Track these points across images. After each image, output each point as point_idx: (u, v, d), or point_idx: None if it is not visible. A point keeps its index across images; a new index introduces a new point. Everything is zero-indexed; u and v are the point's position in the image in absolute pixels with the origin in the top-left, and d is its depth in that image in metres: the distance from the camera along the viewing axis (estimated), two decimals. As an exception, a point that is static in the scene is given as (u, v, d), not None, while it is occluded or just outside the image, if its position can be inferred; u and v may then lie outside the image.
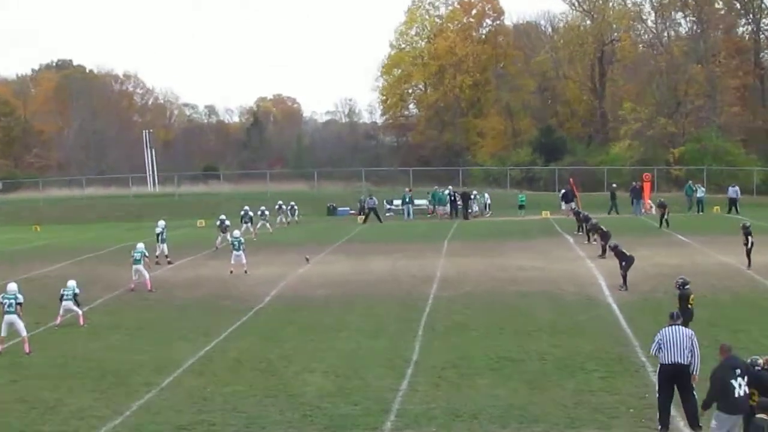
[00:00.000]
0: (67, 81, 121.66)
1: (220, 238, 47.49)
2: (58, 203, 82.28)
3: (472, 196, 65.86)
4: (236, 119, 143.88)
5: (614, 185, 65.91)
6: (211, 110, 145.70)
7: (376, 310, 29.79)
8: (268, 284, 35.40)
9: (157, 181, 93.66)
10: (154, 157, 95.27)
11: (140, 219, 71.20)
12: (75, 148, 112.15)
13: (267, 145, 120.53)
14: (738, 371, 14.92)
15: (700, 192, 64.09)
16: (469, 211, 64.54)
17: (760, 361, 15.41)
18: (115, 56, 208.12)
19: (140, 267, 35.01)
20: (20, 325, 24.85)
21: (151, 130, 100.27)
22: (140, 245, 35.65)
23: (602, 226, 41.34)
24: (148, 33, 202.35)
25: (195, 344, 25.35)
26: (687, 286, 23.21)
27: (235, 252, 38.80)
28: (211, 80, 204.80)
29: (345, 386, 20.61)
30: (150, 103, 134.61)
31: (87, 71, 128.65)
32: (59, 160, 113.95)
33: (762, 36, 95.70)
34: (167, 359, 23.69)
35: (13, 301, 24.79)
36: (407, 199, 66.75)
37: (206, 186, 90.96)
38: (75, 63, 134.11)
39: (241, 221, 53.11)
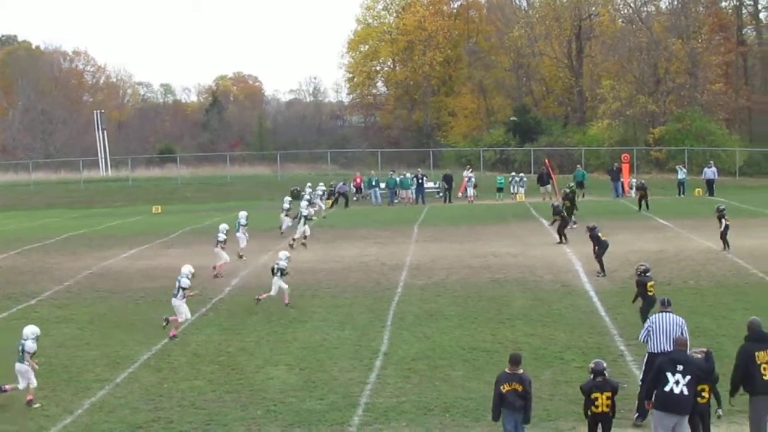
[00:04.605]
0: (11, 58, 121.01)
1: (287, 222, 46.19)
2: (2, 189, 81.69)
3: (466, 179, 65.89)
4: (194, 99, 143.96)
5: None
6: (167, 89, 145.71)
7: (343, 300, 29.81)
8: (228, 274, 35.26)
9: (109, 165, 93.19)
10: (106, 140, 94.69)
11: (91, 205, 70.91)
12: (20, 130, 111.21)
13: (227, 126, 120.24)
14: (680, 367, 14.89)
15: (681, 174, 64.43)
16: (460, 195, 64.82)
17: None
18: (64, 32, 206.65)
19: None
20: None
21: (102, 111, 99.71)
22: (223, 226, 36.20)
23: (564, 212, 41.48)
24: (99, 7, 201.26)
25: (151, 338, 25.25)
26: (648, 274, 23.66)
27: (237, 234, 38.71)
28: (167, 57, 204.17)
29: (310, 380, 20.65)
30: (101, 81, 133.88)
31: (33, 47, 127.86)
32: (4, 143, 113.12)
33: (745, 11, 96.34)
34: (121, 354, 23.63)
35: None
36: (374, 183, 66.60)
37: (162, 170, 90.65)
38: (20, 39, 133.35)
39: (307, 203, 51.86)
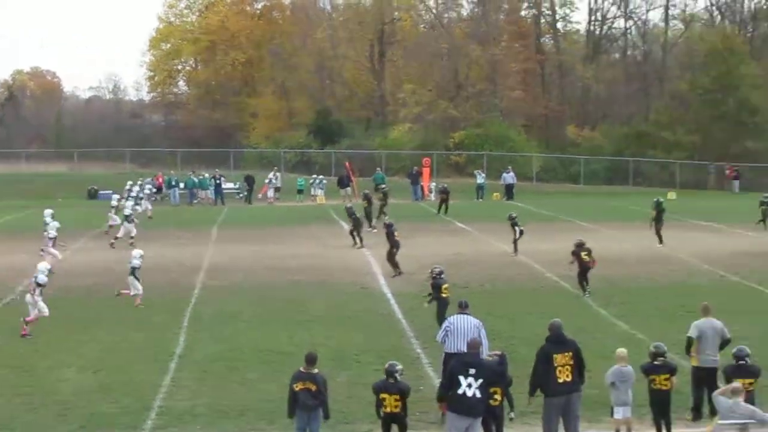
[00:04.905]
0: None
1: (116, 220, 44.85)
2: None
3: (267, 180, 65.84)
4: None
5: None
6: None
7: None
8: (17, 274, 34.01)
9: None
10: None
11: None
12: None
13: (23, 122, 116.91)
14: (472, 371, 15.14)
15: (480, 178, 65.88)
16: (260, 196, 64.82)
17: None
18: None
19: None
20: None
21: None
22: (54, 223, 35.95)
23: (356, 213, 41.90)
24: None
25: (-65, 341, 24.41)
26: (443, 276, 24.22)
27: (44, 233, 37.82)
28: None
29: (104, 382, 20.34)
30: None
31: None
32: None
33: (543, 21, 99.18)
34: None
35: None
36: (173, 183, 65.88)
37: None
38: None
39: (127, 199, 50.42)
